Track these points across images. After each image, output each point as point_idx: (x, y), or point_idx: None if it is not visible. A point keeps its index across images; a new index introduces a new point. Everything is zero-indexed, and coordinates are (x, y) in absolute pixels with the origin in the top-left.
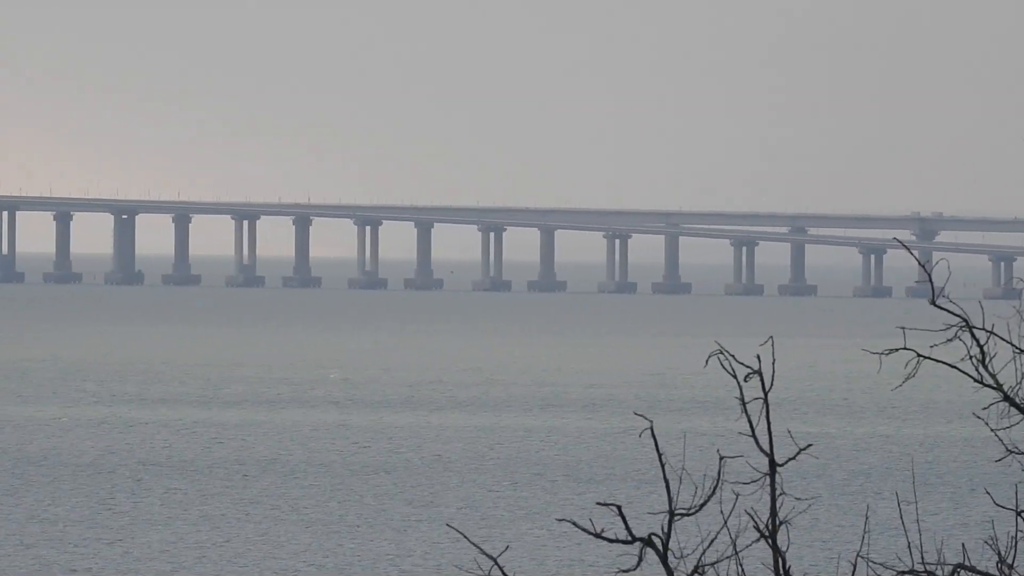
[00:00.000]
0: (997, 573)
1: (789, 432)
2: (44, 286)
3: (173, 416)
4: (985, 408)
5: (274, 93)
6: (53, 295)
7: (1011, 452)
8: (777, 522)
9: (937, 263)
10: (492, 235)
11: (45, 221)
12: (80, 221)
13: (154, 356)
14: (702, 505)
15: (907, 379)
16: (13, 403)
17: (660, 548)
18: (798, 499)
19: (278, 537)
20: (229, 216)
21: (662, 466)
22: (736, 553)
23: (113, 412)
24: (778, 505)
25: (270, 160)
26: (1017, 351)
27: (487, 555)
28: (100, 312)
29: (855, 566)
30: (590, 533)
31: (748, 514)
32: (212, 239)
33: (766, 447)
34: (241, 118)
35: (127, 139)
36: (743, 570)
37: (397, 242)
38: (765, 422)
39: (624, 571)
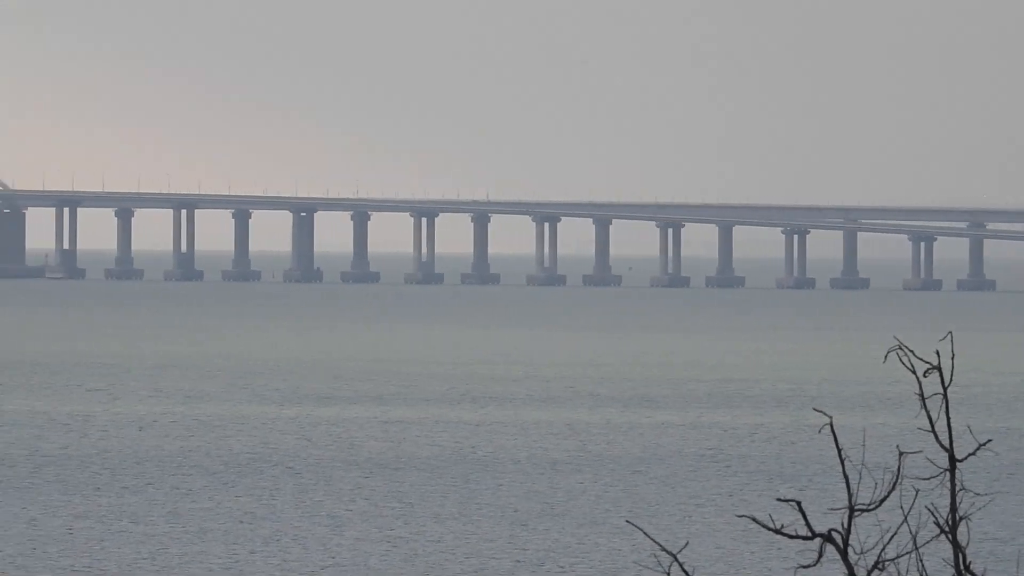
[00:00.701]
0: None
1: (969, 428)
2: (223, 284)
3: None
4: None
5: (464, 90)
6: (233, 293)
7: None
8: (957, 518)
9: None
10: (671, 231)
11: (223, 219)
12: (258, 219)
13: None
14: (882, 501)
15: None
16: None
17: (840, 544)
18: (978, 495)
19: (466, 530)
20: (408, 213)
21: (841, 462)
22: (916, 549)
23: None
24: (958, 501)
25: (448, 156)
26: None
27: (667, 551)
28: (283, 310)
29: None
30: (770, 529)
31: (928, 510)
32: (390, 236)
33: (946, 442)
34: (419, 116)
35: (305, 139)
36: (923, 566)
37: (574, 238)
38: (945, 417)
39: (804, 567)
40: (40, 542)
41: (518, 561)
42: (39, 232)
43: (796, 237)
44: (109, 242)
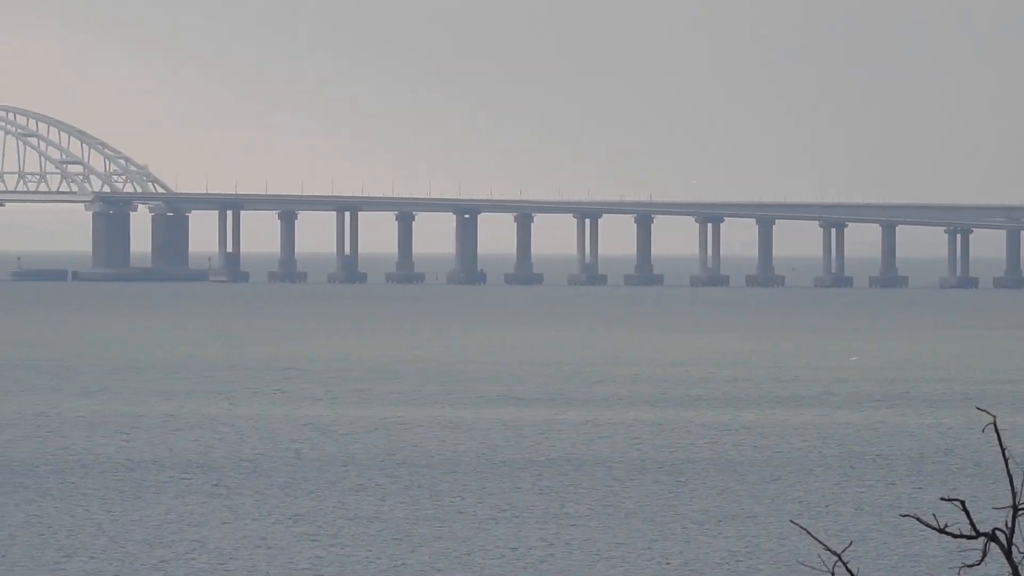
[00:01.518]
0: None
1: None
2: (387, 286)
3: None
4: None
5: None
6: (397, 295)
7: None
8: None
9: None
10: (834, 232)
11: (385, 221)
12: (421, 221)
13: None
14: None
15: None
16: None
17: (1004, 543)
18: None
19: (641, 531)
20: (571, 215)
21: (1006, 461)
22: None
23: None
24: None
25: (610, 158)
26: None
27: (831, 551)
28: (446, 312)
29: None
30: (934, 528)
31: None
32: (553, 237)
33: None
34: (582, 117)
35: (468, 141)
36: None
37: (737, 239)
38: None
39: (968, 566)
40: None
41: (677, 563)
42: (202, 236)
43: (959, 236)
44: (272, 245)
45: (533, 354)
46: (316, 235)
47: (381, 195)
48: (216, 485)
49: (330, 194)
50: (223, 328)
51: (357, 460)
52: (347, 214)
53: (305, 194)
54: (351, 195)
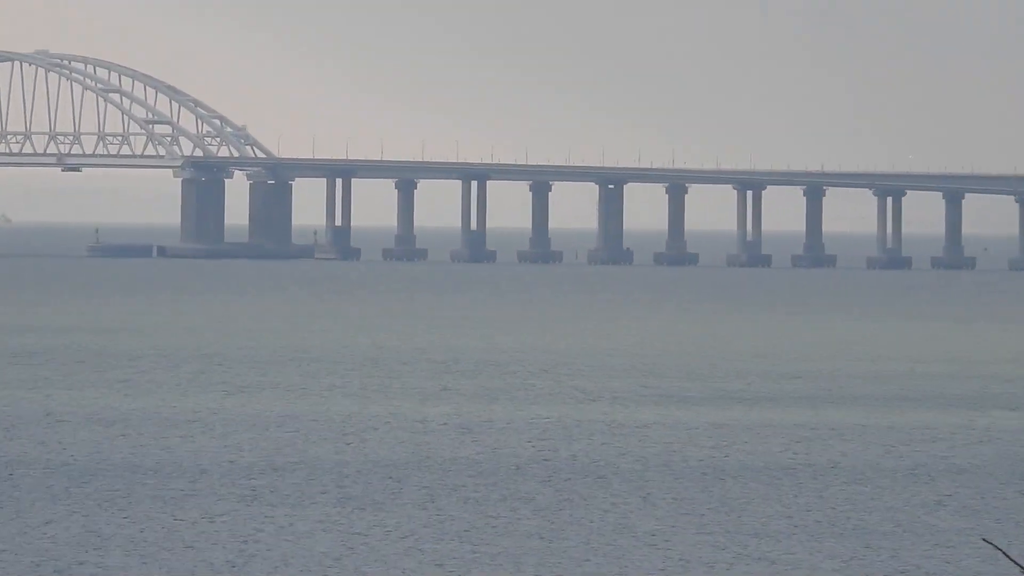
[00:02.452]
0: None
1: None
2: (518, 266)
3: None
4: None
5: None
6: (531, 275)
7: None
8: None
9: None
10: None
11: (516, 192)
12: (559, 192)
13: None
14: None
15: None
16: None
17: None
18: None
19: (801, 543)
20: (730, 186)
21: None
22: None
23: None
24: None
25: (776, 127)
26: None
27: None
28: (588, 296)
29: None
30: None
31: None
32: (706, 211)
33: None
34: (739, 88)
35: (612, 110)
36: None
37: (918, 215)
38: None
39: None
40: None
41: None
42: (307, 207)
43: None
44: (387, 218)
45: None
46: (438, 207)
47: (513, 162)
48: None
49: (454, 160)
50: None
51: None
52: (474, 184)
53: (426, 160)
54: (478, 162)
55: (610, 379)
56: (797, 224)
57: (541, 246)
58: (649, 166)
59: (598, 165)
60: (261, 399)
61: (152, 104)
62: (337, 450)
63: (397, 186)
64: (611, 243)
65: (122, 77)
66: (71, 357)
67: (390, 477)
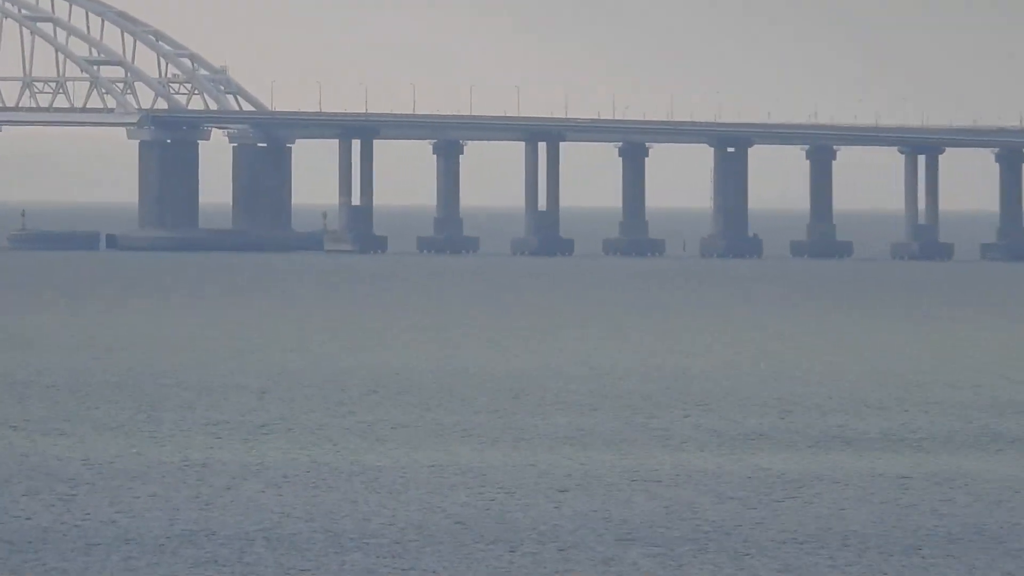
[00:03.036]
0: None
1: None
2: (604, 257)
3: None
4: None
5: None
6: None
7: None
8: None
9: None
10: None
11: (603, 155)
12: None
13: None
14: None
15: None
16: None
17: None
18: None
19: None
20: (895, 148)
21: None
22: None
23: None
24: None
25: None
26: None
27: None
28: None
29: None
30: None
31: None
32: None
33: None
34: None
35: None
36: None
37: None
38: None
39: None
40: None
41: None
42: (313, 179)
43: None
44: (422, 195)
45: None
46: (491, 179)
47: (596, 116)
48: None
49: (513, 115)
50: (393, 328)
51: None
52: (542, 146)
53: (475, 114)
54: (547, 116)
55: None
56: (981, 201)
57: (635, 232)
58: (783, 121)
59: (710, 120)
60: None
61: (97, 38)
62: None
63: (436, 150)
64: (732, 228)
65: (55, 1)
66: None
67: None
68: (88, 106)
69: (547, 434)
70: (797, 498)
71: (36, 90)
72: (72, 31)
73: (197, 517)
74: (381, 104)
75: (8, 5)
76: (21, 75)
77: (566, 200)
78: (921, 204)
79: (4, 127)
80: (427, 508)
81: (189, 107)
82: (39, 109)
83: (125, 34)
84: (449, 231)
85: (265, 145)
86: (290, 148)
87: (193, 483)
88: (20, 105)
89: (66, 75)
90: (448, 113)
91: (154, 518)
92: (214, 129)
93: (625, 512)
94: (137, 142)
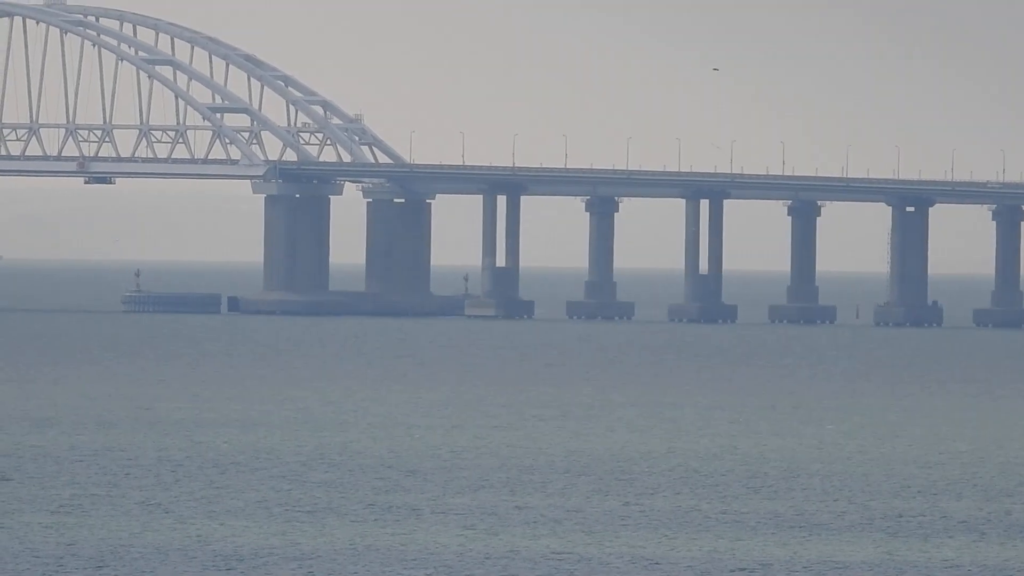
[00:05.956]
0: None
1: None
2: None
3: None
4: None
5: None
6: None
7: None
8: None
9: None
10: None
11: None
12: None
13: None
14: None
15: None
16: None
17: None
18: None
19: None
20: None
21: None
22: None
23: None
24: None
25: None
26: None
27: None
28: None
29: None
30: None
31: None
32: None
33: None
34: None
35: None
36: None
37: None
38: None
39: None
40: None
41: None
42: (454, 237)
43: None
44: (573, 256)
45: None
46: (644, 238)
47: (764, 172)
48: None
49: (673, 169)
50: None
51: None
52: (704, 204)
53: (632, 168)
54: (709, 171)
55: None
56: None
57: (805, 297)
58: (967, 178)
59: (889, 177)
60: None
61: (221, 84)
62: None
63: (588, 207)
64: (910, 293)
65: (176, 42)
66: (78, 470)
67: None
68: (210, 157)
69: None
70: None
71: (154, 139)
72: (194, 76)
73: None
74: (529, 157)
75: (125, 48)
76: (138, 123)
77: (729, 263)
78: None
79: (118, 178)
80: None
81: (320, 159)
82: (157, 160)
83: (251, 79)
84: (601, 295)
85: (402, 200)
86: (429, 204)
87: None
88: (136, 155)
89: (186, 123)
90: (602, 167)
91: None
92: (347, 183)
93: None
94: (263, 196)
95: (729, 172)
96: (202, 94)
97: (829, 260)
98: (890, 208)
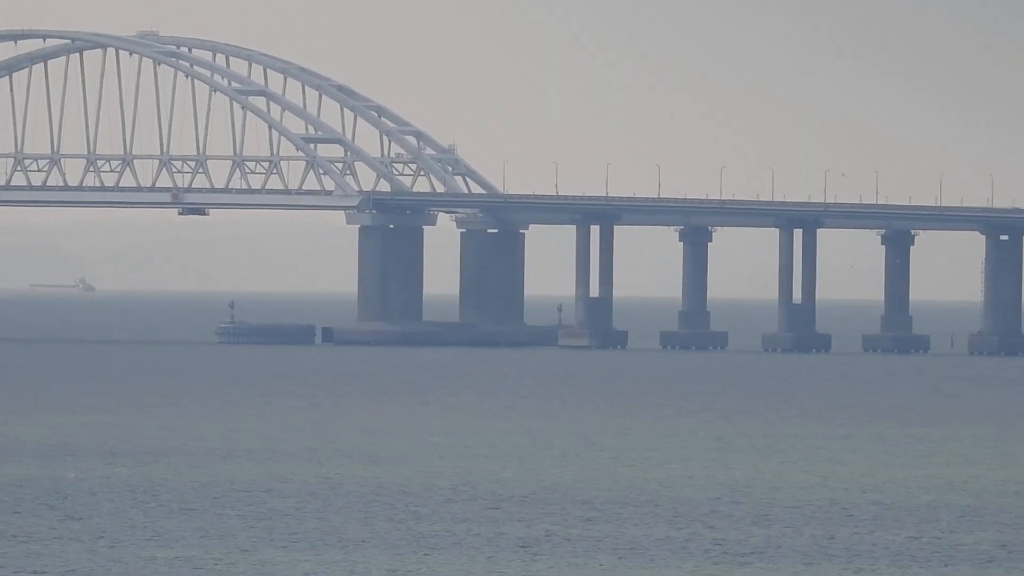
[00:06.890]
0: None
1: None
2: None
3: None
4: None
5: None
6: None
7: None
8: None
9: None
10: None
11: None
12: None
13: None
14: None
15: None
16: None
17: None
18: None
19: None
20: None
21: None
22: None
23: None
24: None
25: None
26: None
27: None
28: None
29: None
30: None
31: None
32: None
33: None
34: None
35: None
36: None
37: None
38: None
39: None
40: None
41: None
42: (548, 268)
43: None
44: (667, 286)
45: None
46: (738, 267)
47: (858, 200)
48: None
49: (767, 199)
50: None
51: None
52: (797, 233)
53: (726, 199)
54: (803, 200)
55: None
56: None
57: (898, 327)
58: None
59: (983, 206)
60: None
61: (315, 115)
62: None
63: (682, 236)
64: (1004, 323)
65: (268, 72)
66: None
67: None
68: (304, 188)
69: None
70: None
71: (247, 170)
72: (287, 106)
73: None
74: (623, 187)
75: (218, 79)
76: (231, 154)
77: (823, 291)
78: None
79: (212, 209)
80: None
81: (414, 189)
82: (250, 191)
83: (345, 109)
84: (695, 325)
85: (496, 231)
86: (523, 234)
87: None
88: (230, 186)
89: (280, 154)
90: (696, 197)
91: None
92: (441, 213)
93: None
94: (357, 227)
95: (823, 201)
96: (295, 125)
97: (923, 289)
98: (984, 236)
